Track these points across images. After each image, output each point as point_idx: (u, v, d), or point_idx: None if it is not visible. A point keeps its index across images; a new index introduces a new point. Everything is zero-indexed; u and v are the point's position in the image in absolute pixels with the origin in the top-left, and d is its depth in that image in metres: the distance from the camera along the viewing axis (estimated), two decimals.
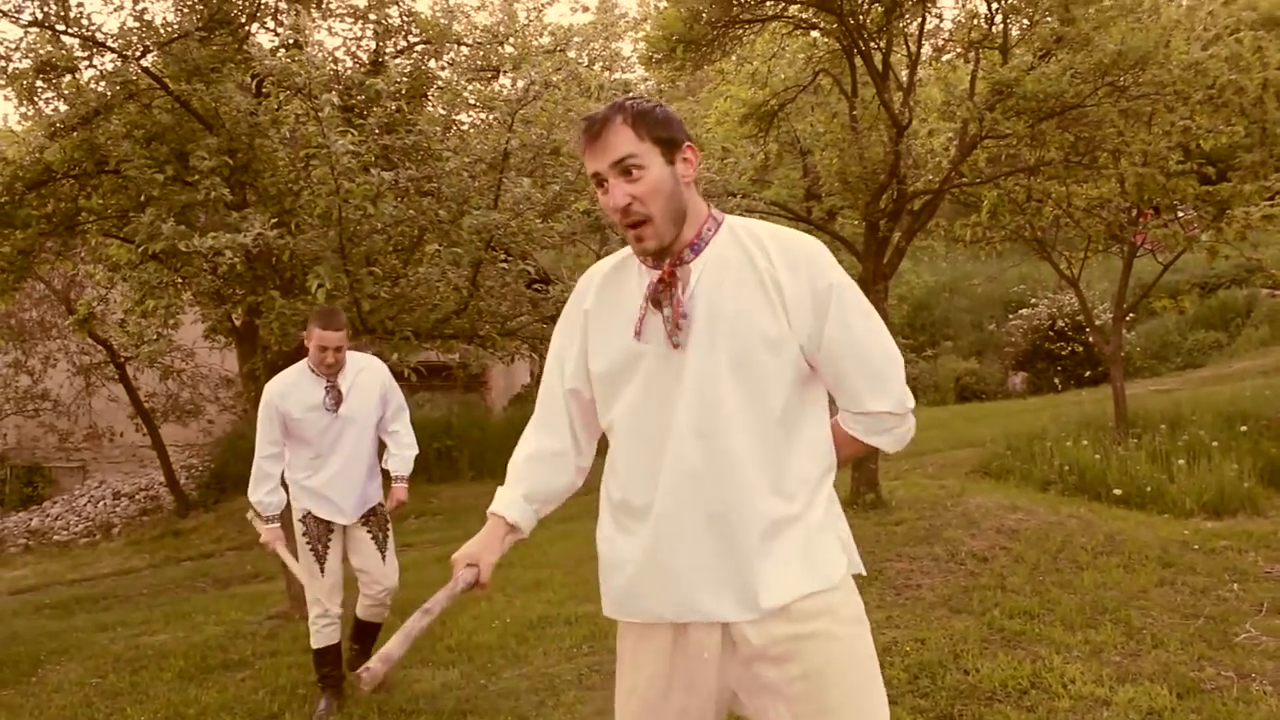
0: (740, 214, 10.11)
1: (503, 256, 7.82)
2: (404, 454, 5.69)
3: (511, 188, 7.15)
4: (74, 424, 19.08)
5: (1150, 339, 22.49)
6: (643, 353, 2.29)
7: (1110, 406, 12.71)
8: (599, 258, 12.41)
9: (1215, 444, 10.90)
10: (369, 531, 5.56)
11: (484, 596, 2.32)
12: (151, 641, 8.08)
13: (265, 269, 7.50)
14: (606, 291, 2.41)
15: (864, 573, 2.45)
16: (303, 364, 5.38)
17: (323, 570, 5.42)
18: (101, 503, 19.00)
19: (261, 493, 5.38)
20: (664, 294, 2.27)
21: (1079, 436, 11.98)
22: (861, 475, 9.28)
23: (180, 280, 8.03)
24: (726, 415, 2.22)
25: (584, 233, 9.76)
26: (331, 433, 5.35)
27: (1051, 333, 21.55)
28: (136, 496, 19.06)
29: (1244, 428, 11.57)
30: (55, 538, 17.85)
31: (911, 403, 2.39)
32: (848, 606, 2.34)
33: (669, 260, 2.28)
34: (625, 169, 2.22)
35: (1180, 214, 12.25)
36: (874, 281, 9.30)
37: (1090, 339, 16.75)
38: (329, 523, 5.44)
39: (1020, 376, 22.12)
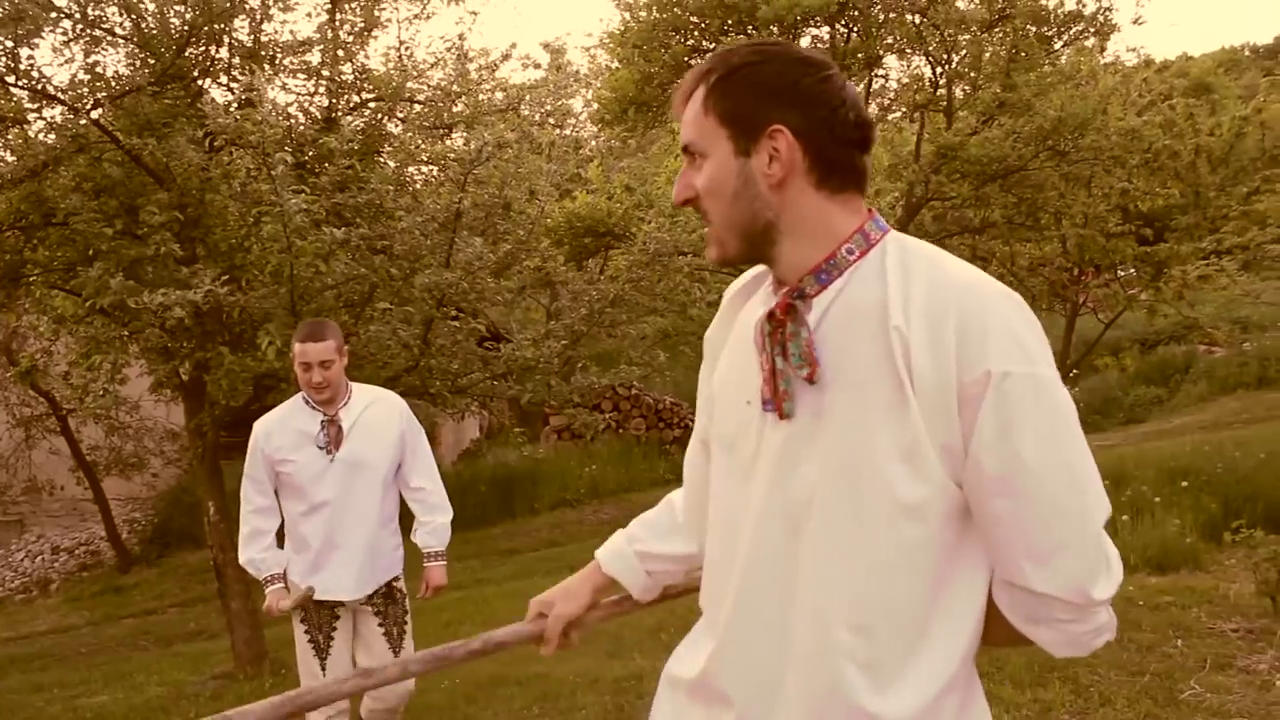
0: (687, 272, 10.33)
1: (454, 314, 7.83)
2: (434, 521, 4.49)
3: (464, 247, 7.19)
4: (12, 477, 18.69)
5: (1093, 395, 22.81)
6: (751, 421, 1.60)
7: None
8: (549, 313, 12.42)
9: (1158, 499, 11.08)
10: (380, 622, 4.41)
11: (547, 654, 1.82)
12: (90, 704, 7.91)
13: (214, 324, 7.46)
14: (727, 314, 1.77)
15: None
16: (297, 396, 4.37)
17: (324, 667, 4.28)
18: (39, 558, 18.59)
19: (253, 551, 4.33)
20: (774, 338, 1.54)
21: None
22: None
23: (127, 335, 7.96)
24: (821, 546, 1.50)
25: (534, 288, 9.81)
26: (330, 480, 4.25)
27: None
28: (76, 551, 18.67)
29: (1185, 483, 11.77)
30: None
31: (1104, 591, 1.46)
32: None
33: (785, 290, 1.56)
34: (690, 156, 1.60)
35: (1120, 273, 12.56)
36: None
37: None
38: (333, 605, 4.32)
39: None
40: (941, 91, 9.77)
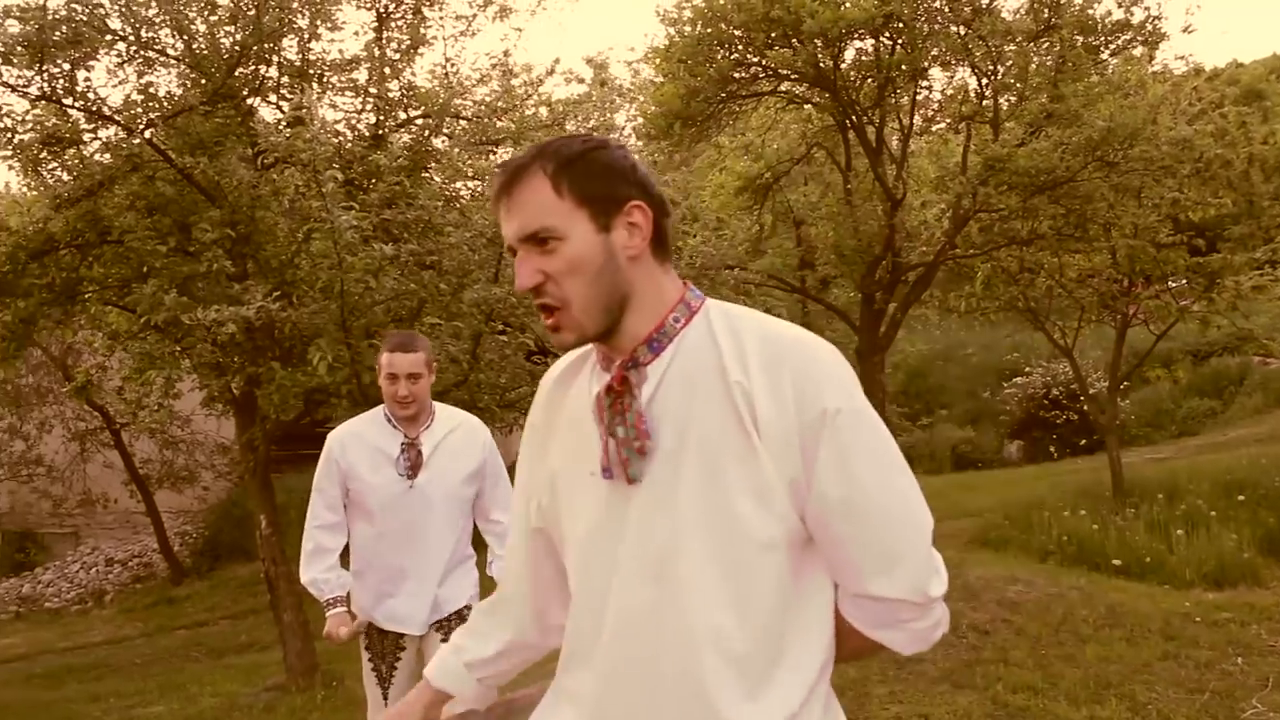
0: (733, 285, 10.32)
1: (501, 328, 7.88)
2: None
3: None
4: (68, 490, 18.99)
5: (1145, 407, 22.54)
6: (595, 489, 1.67)
7: (1106, 475, 12.73)
8: None
9: (1213, 513, 10.90)
10: (444, 639, 3.88)
11: None
12: (146, 714, 8.01)
13: (265, 340, 7.56)
14: (554, 400, 1.82)
15: None
16: (378, 410, 4.05)
17: (386, 696, 4.06)
18: (94, 569, 18.87)
19: (316, 570, 3.99)
20: (614, 409, 1.63)
21: (1076, 506, 11.97)
22: None
23: (180, 350, 8.08)
24: (686, 584, 1.59)
25: None
26: (405, 508, 3.95)
27: (1046, 401, 21.59)
28: (129, 563, 18.94)
29: (1241, 497, 11.57)
30: (46, 604, 17.71)
31: (938, 588, 1.64)
32: None
33: (619, 361, 1.65)
34: (535, 241, 1.60)
35: (1172, 284, 12.38)
36: (870, 354, 9.37)
37: (1085, 407, 16.79)
38: (397, 635, 4.06)
39: (1016, 445, 22.13)
40: (988, 103, 9.70)
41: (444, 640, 3.79)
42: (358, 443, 3.98)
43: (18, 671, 11.73)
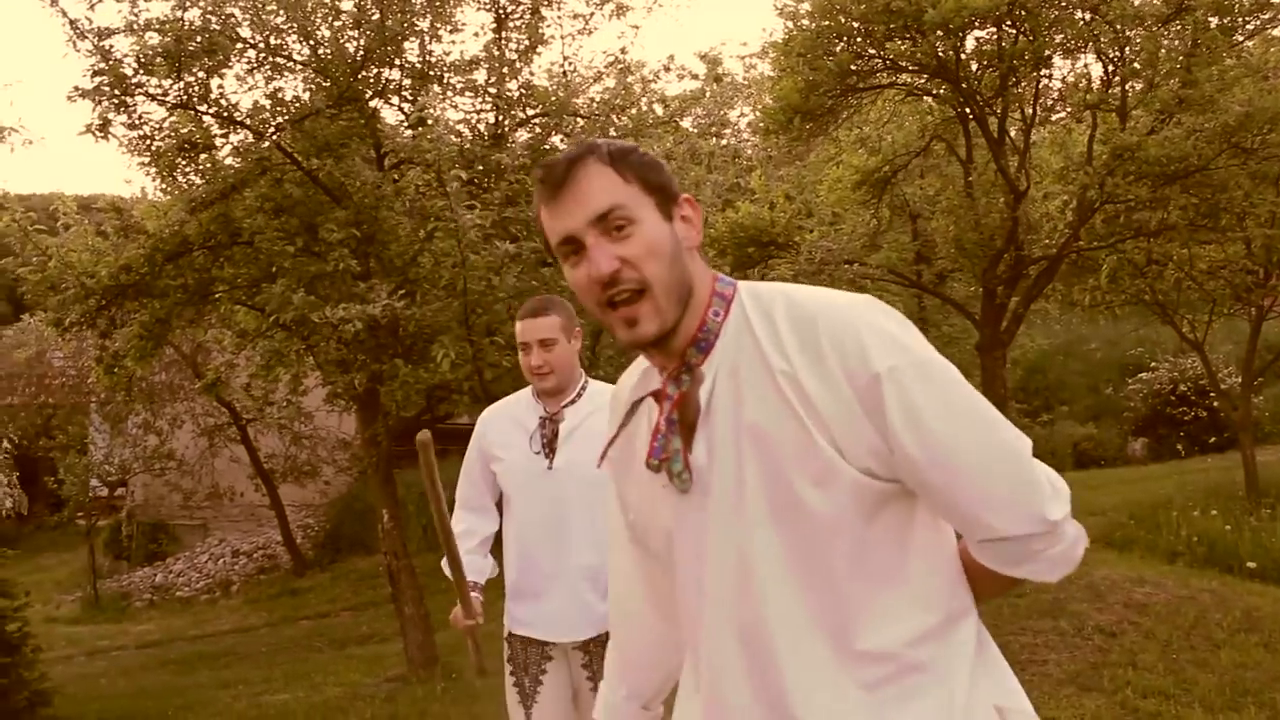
0: (850, 279, 10.20)
1: None
2: None
3: None
4: (197, 483, 19.65)
5: None
6: (665, 497, 1.67)
7: (1239, 474, 12.28)
8: None
9: None
10: (590, 675, 3.55)
11: None
12: (273, 701, 8.24)
13: (388, 338, 7.70)
14: (633, 426, 1.78)
15: None
16: (528, 387, 3.68)
17: (529, 718, 3.60)
18: (221, 560, 19.51)
19: (463, 549, 3.54)
20: (680, 413, 1.61)
21: (1207, 506, 11.57)
22: None
23: (306, 348, 8.29)
24: (762, 581, 1.57)
25: None
26: (543, 492, 3.54)
27: (1173, 397, 20.90)
28: (254, 555, 19.53)
29: None
30: (178, 593, 18.38)
31: (1059, 510, 1.57)
32: None
33: (670, 370, 1.63)
34: (610, 223, 1.55)
35: None
36: (991, 348, 9.17)
37: (1215, 404, 16.21)
38: (542, 644, 3.60)
39: (1140, 442, 21.47)
40: (1114, 90, 9.40)
41: (585, 668, 3.57)
42: (499, 419, 3.66)
43: (153, 657, 12.19)
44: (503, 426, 3.62)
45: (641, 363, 1.78)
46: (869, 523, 1.55)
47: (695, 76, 20.20)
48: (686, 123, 10.08)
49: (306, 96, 8.35)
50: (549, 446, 3.53)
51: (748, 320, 1.59)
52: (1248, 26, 9.44)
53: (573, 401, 3.57)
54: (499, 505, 3.73)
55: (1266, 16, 9.42)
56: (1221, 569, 9.92)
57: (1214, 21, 9.02)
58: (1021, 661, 6.70)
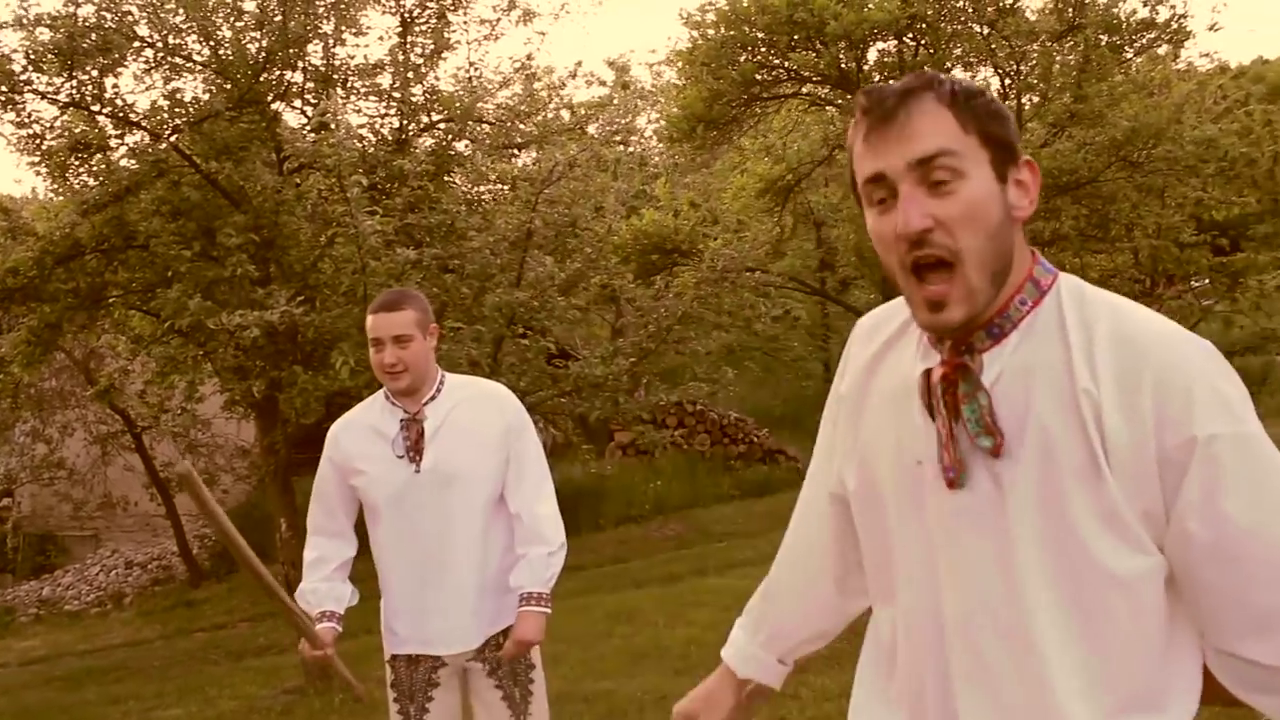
0: (753, 287, 10.31)
1: (522, 332, 7.89)
2: (534, 554, 3.37)
3: (534, 265, 7.25)
4: (89, 493, 19.08)
5: None
6: (920, 483, 1.43)
7: None
8: (614, 329, 12.39)
9: None
10: (498, 683, 3.38)
11: None
12: (165, 716, 8.02)
13: (288, 344, 7.57)
14: (874, 370, 1.54)
15: None
16: (379, 392, 3.43)
17: None
18: (114, 572, 18.95)
19: (311, 580, 3.36)
20: (946, 398, 1.38)
21: None
22: None
23: (203, 354, 8.11)
24: (1030, 608, 1.35)
25: (598, 304, 9.84)
26: (416, 498, 3.28)
27: None
28: (149, 566, 19.01)
29: None
30: (66, 607, 17.79)
31: None
32: None
33: (949, 344, 1.39)
34: (933, 172, 1.31)
35: (1195, 284, 12.35)
36: None
37: None
38: (433, 663, 3.35)
39: None
40: (1011, 103, 9.65)
41: (490, 671, 3.36)
42: (354, 430, 3.36)
43: (38, 674, 11.78)
44: (359, 437, 3.33)
45: (890, 308, 1.55)
46: (1149, 575, 1.32)
47: (604, 84, 20.29)
48: (593, 129, 10.05)
49: (206, 98, 8.18)
50: (415, 449, 3.26)
51: (1062, 320, 1.35)
52: (1135, 44, 9.77)
53: (432, 398, 3.32)
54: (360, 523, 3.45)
55: (1152, 35, 9.76)
56: None
57: (1104, 39, 9.32)
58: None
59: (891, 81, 1.37)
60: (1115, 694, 1.35)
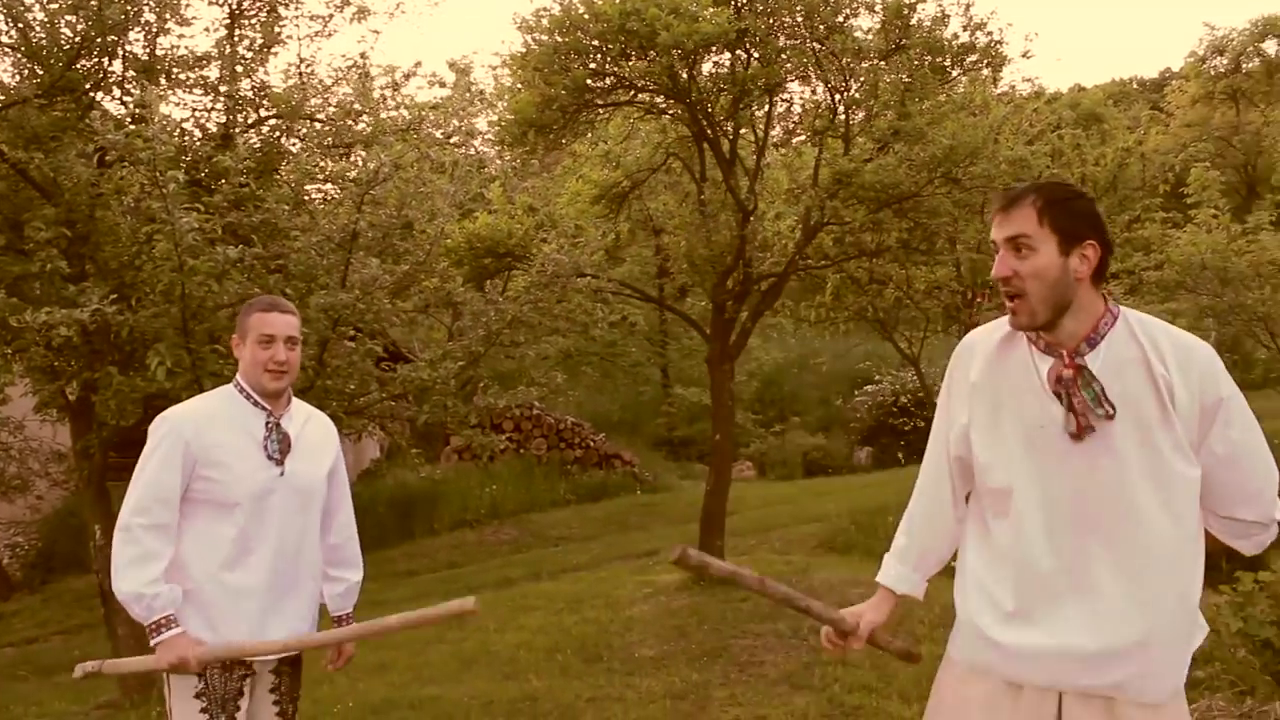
0: (585, 293, 10.39)
1: (351, 334, 7.76)
2: (348, 579, 3.62)
3: (360, 267, 7.14)
4: None
5: None
6: (1041, 441, 2.38)
7: None
8: (450, 332, 12.26)
9: None
10: (277, 700, 3.45)
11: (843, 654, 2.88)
12: None
13: (103, 344, 7.29)
14: (996, 367, 2.48)
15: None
16: (226, 388, 3.48)
17: None
18: None
19: (144, 579, 3.18)
20: (1071, 387, 2.33)
21: None
22: (708, 551, 9.38)
23: (10, 353, 7.73)
24: (1142, 516, 2.31)
25: (437, 308, 9.75)
26: (279, 500, 3.34)
27: (895, 408, 22.22)
28: None
29: None
30: None
31: (1279, 513, 2.43)
32: None
33: (1066, 353, 2.36)
34: (1016, 245, 2.35)
35: None
36: (720, 361, 9.52)
37: (930, 415, 17.40)
38: (244, 665, 3.32)
39: (865, 451, 22.70)
40: (840, 118, 9.95)
41: (272, 692, 3.41)
42: (215, 422, 3.33)
43: None
44: (223, 429, 3.32)
45: (987, 330, 2.55)
46: (1196, 489, 2.36)
47: (444, 85, 20.11)
48: (430, 131, 9.98)
49: (15, 83, 7.80)
50: (283, 451, 3.35)
51: (1132, 334, 2.37)
52: (959, 66, 10.16)
53: (288, 411, 3.45)
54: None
55: (974, 58, 10.18)
56: None
57: (928, 60, 9.68)
58: (741, 663, 6.98)
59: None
60: (1191, 550, 2.37)
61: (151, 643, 3.20)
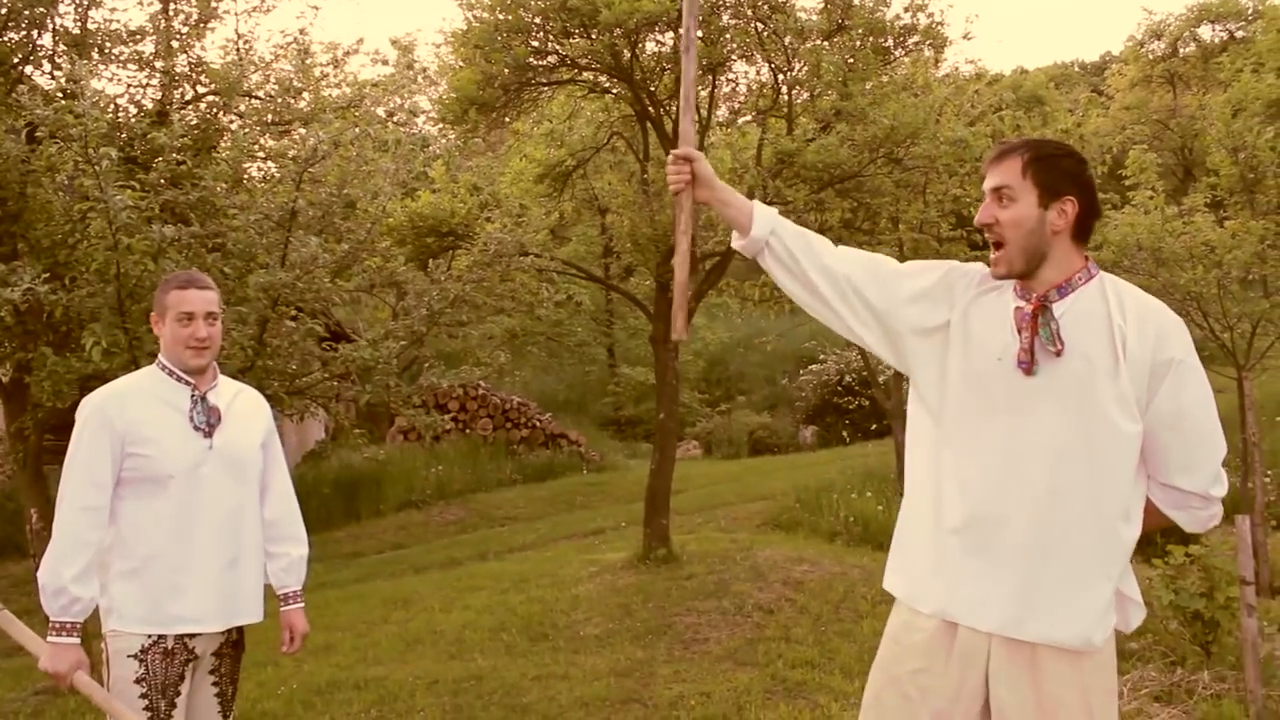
0: (529, 272, 10.37)
1: (293, 313, 7.68)
2: (290, 554, 3.58)
3: (299, 247, 7.05)
4: None
5: None
6: (1000, 373, 2.47)
7: (893, 458, 13.33)
8: (394, 312, 12.18)
9: None
10: (217, 680, 3.44)
11: None
12: None
13: (36, 324, 7.15)
14: (982, 300, 2.57)
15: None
16: (150, 367, 3.47)
17: None
18: None
19: (70, 574, 3.15)
20: (1030, 324, 2.44)
21: (864, 488, 12.50)
22: (653, 530, 9.44)
23: None
24: (1074, 453, 2.40)
25: (382, 287, 9.67)
26: (211, 473, 3.34)
27: (840, 388, 22.41)
28: None
29: None
30: None
31: (1219, 491, 2.48)
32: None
33: (1034, 295, 2.47)
34: (999, 195, 2.49)
35: None
36: (664, 341, 9.53)
37: (874, 394, 17.54)
38: (187, 650, 3.31)
39: (810, 430, 22.88)
40: (784, 98, 9.99)
41: (212, 674, 3.40)
42: (139, 399, 3.32)
43: None
44: (146, 406, 3.32)
45: (977, 271, 2.62)
46: (1135, 442, 2.41)
47: (386, 62, 19.91)
48: (379, 110, 9.88)
49: None
50: (211, 423, 3.36)
51: (1104, 291, 2.47)
52: (901, 47, 10.23)
53: (214, 385, 3.46)
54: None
55: (915, 39, 10.25)
56: (874, 546, 10.75)
57: (870, 40, 9.73)
58: (685, 640, 7.04)
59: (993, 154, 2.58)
60: (1115, 507, 2.43)
61: (49, 639, 3.18)
